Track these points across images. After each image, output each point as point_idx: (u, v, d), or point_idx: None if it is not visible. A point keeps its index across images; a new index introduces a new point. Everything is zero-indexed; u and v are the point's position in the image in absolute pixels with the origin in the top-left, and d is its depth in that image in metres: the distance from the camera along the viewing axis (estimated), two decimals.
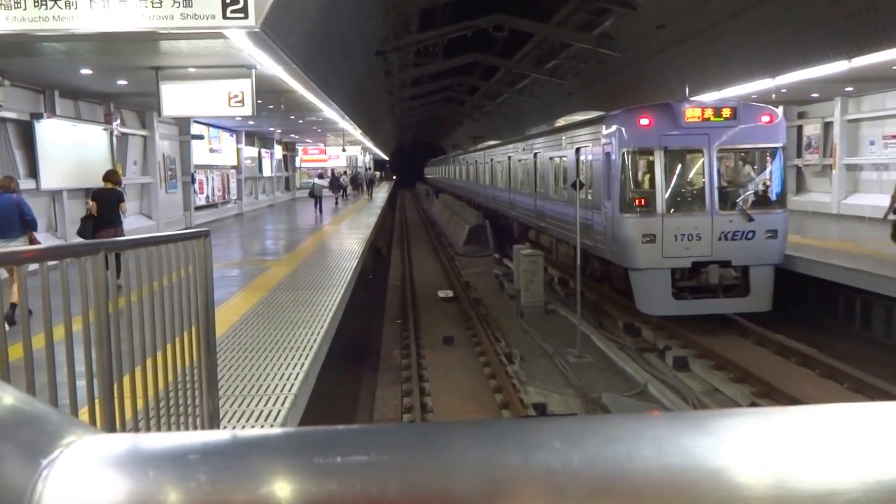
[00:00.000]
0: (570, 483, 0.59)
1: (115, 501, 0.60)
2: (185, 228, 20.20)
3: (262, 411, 6.10)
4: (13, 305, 7.61)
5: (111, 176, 12.01)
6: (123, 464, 0.63)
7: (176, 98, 13.57)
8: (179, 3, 9.23)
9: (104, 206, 11.24)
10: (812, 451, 0.62)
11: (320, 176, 38.42)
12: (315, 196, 31.22)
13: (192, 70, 13.37)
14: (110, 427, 3.78)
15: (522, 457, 0.61)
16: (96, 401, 3.71)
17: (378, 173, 77.11)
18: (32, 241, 9.75)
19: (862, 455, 0.61)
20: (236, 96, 13.38)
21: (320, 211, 30.22)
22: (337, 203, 37.54)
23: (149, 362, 4.17)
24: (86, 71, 13.72)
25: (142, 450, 0.66)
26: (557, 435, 0.63)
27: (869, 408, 0.68)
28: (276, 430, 0.70)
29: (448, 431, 0.66)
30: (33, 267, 3.27)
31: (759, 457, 0.61)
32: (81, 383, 3.59)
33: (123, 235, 10.86)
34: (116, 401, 3.86)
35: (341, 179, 41.72)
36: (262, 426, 5.75)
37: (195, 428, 4.79)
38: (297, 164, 47.45)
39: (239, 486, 0.60)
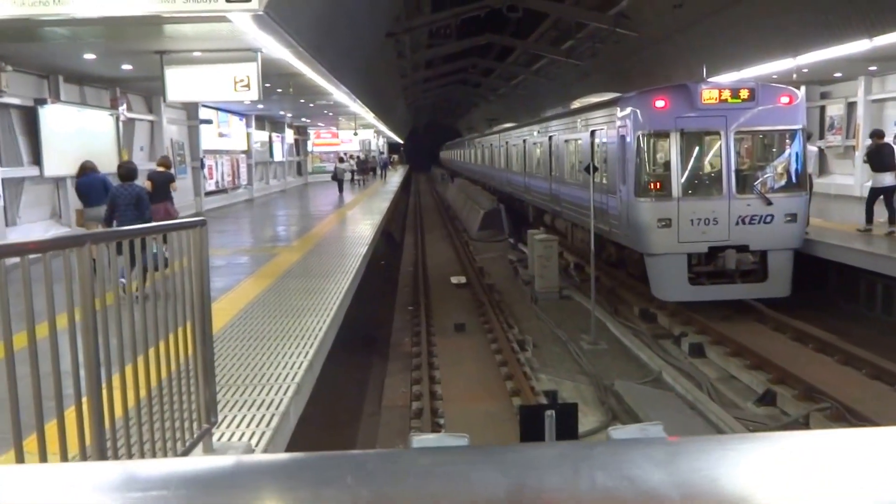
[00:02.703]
0: None
1: None
2: (196, 214, 20.05)
3: (263, 400, 6.03)
4: None
5: (164, 160, 13.89)
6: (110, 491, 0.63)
7: (181, 82, 13.40)
8: None
9: (158, 185, 12.88)
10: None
11: (340, 160, 39.55)
12: (338, 179, 33.76)
13: (196, 54, 13.18)
14: (98, 424, 3.63)
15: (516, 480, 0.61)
16: (84, 399, 3.57)
17: (394, 157, 77.31)
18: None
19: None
20: (242, 80, 13.18)
21: (342, 192, 32.29)
22: (362, 184, 40.58)
23: (142, 357, 4.07)
24: (89, 56, 13.54)
25: (129, 476, 0.67)
26: (351, 469, 0.64)
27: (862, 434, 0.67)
28: (271, 456, 0.71)
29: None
30: (13, 260, 3.12)
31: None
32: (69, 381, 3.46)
33: (175, 211, 12.80)
34: (105, 398, 3.73)
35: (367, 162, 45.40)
36: (263, 415, 5.69)
37: (190, 420, 4.68)
38: (309, 148, 47.20)
39: None
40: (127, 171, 10.94)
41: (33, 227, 14.63)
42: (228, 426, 5.42)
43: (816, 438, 0.63)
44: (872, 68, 20.37)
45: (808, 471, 0.58)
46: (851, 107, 23.03)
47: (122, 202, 10.44)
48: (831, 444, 0.63)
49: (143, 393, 4.11)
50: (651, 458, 0.61)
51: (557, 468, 0.61)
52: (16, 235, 13.41)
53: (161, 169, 13.62)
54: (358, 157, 44.80)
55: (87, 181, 12.41)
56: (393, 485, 0.59)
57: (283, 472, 0.62)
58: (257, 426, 5.47)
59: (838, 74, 21.78)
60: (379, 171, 50.68)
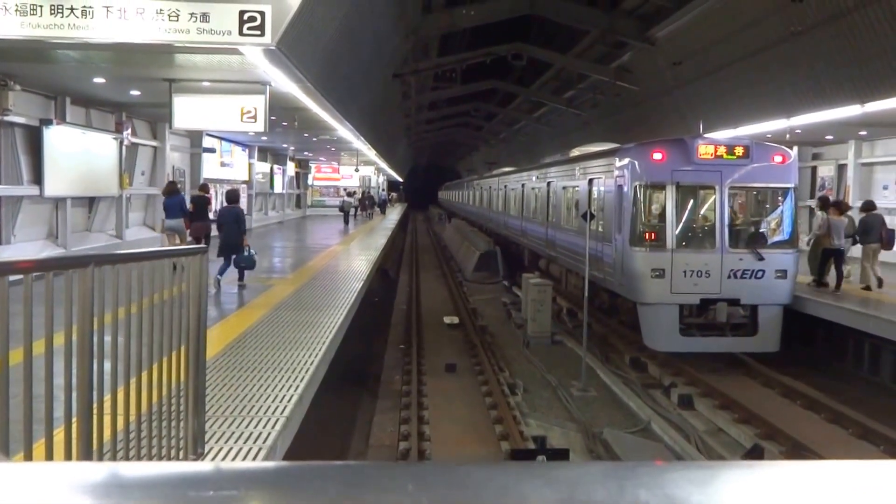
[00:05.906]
0: None
1: None
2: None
3: (251, 433, 5.91)
4: None
5: (202, 187, 16.64)
6: (101, 493, 0.65)
7: (188, 111, 13.54)
8: (197, 17, 9.21)
9: (198, 206, 15.40)
10: None
11: (349, 194, 41.77)
12: (345, 211, 36.69)
13: (205, 84, 13.36)
14: (86, 447, 3.65)
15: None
16: (73, 420, 3.59)
17: (393, 195, 77.89)
18: (187, 224, 15.09)
19: None
20: (249, 112, 13.34)
21: (347, 224, 35.19)
22: (371, 217, 45.37)
23: (133, 381, 4.06)
24: (99, 80, 13.70)
25: (121, 479, 0.67)
26: (411, 478, 0.67)
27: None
28: (267, 464, 0.76)
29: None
30: (16, 277, 3.17)
31: None
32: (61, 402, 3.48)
33: (210, 229, 14.99)
34: (95, 420, 3.74)
35: (375, 198, 50.57)
36: (250, 448, 5.61)
37: (177, 449, 4.66)
38: (310, 181, 47.45)
39: None
40: (230, 197, 14.38)
41: (27, 247, 14.62)
42: (214, 458, 5.28)
43: (848, 468, 0.69)
44: (863, 133, 20.76)
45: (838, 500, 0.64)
46: (842, 169, 23.42)
47: (226, 220, 13.57)
48: (867, 474, 0.69)
49: (132, 417, 4.10)
50: (690, 479, 0.67)
51: (604, 485, 0.66)
52: (8, 254, 13.39)
53: (201, 193, 16.16)
54: (365, 193, 48.83)
55: (171, 200, 15.23)
56: (448, 493, 0.64)
57: (343, 476, 0.67)
58: (243, 460, 5.35)
59: (830, 137, 22.16)
60: (378, 209, 51.21)
